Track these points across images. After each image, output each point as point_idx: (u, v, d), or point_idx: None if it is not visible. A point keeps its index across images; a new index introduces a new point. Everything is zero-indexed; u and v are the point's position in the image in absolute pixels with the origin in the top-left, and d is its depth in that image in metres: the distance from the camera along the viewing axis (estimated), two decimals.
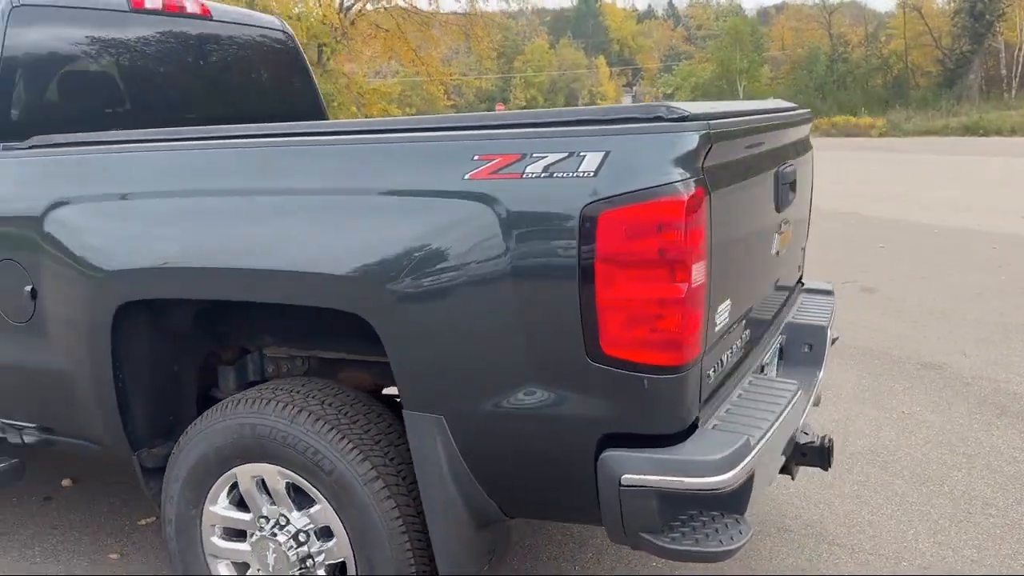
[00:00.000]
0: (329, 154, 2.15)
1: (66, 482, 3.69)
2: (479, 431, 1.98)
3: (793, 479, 2.78)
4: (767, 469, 2.05)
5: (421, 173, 1.97)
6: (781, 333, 2.80)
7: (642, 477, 1.81)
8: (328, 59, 31.84)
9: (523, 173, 1.83)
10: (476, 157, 1.88)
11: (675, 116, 1.81)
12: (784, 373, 2.82)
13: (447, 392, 1.99)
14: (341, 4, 32.55)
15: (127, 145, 2.48)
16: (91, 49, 3.11)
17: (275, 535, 2.25)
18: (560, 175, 1.79)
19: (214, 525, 2.37)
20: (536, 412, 1.91)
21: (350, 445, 2.11)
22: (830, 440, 2.64)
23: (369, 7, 33.19)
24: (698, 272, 1.78)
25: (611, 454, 1.83)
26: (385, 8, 33.01)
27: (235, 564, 2.38)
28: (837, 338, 3.39)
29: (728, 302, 2.02)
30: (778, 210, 2.42)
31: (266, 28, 3.90)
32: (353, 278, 2.00)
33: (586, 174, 1.77)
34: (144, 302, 2.33)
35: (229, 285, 2.22)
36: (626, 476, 1.81)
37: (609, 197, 1.74)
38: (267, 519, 2.27)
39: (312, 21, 29.82)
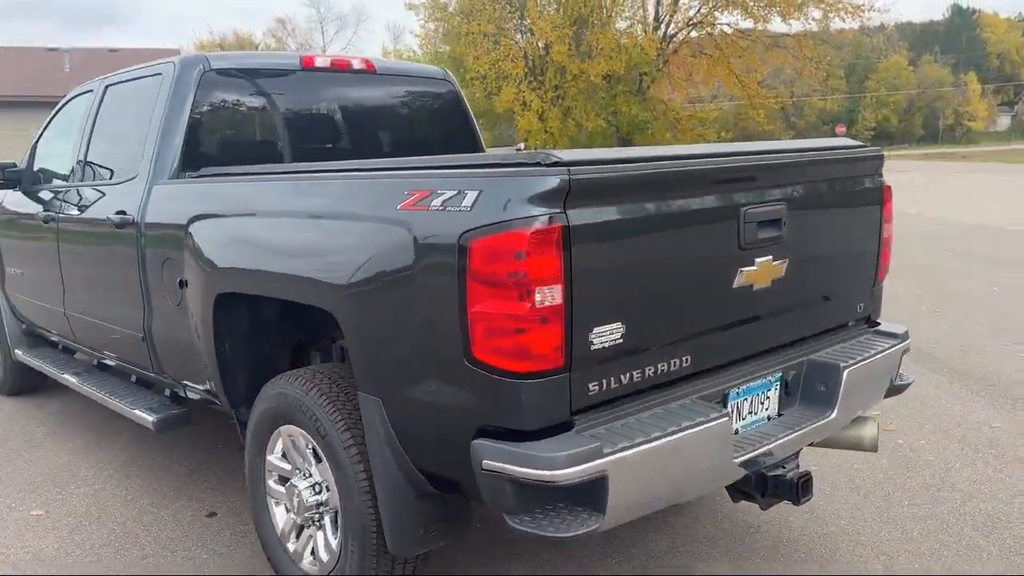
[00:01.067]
0: (326, 187, 2.76)
1: None
2: (402, 413, 2.43)
3: (763, 509, 2.84)
4: (641, 478, 2.23)
5: (377, 202, 2.49)
6: (792, 369, 2.87)
7: (497, 464, 2.15)
8: (648, 87, 32.69)
9: (429, 206, 2.27)
10: (407, 192, 2.36)
11: (548, 162, 2.13)
12: (792, 409, 2.89)
13: (381, 378, 2.48)
14: (665, 33, 33.27)
15: (236, 178, 3.28)
16: (267, 101, 4.01)
17: (299, 484, 2.87)
18: (450, 208, 2.21)
19: (271, 471, 3.05)
20: (435, 402, 2.33)
21: (339, 417, 2.66)
22: (804, 475, 2.69)
23: (694, 34, 33.51)
24: (547, 294, 2.08)
25: (477, 442, 2.19)
26: (709, 34, 33.13)
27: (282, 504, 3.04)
28: (907, 383, 3.30)
29: (618, 324, 2.26)
30: (742, 248, 2.55)
31: (428, 77, 4.60)
32: (327, 283, 2.58)
33: (465, 208, 2.17)
34: (237, 295, 3.07)
35: (275, 286, 2.89)
36: (485, 462, 2.17)
37: (477, 227, 2.12)
38: (298, 471, 2.90)
39: (634, 52, 30.85)
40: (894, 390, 3.29)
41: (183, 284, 3.32)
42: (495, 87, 32.14)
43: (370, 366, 2.52)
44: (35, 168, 4.89)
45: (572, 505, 2.19)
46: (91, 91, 4.47)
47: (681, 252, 2.44)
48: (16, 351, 5.28)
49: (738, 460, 2.51)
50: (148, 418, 3.72)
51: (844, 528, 3.53)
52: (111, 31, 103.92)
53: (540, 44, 32.31)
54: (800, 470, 2.71)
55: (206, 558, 3.42)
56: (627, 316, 2.28)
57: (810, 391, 2.91)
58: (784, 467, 2.72)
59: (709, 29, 33.54)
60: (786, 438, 2.70)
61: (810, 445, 3.37)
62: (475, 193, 2.16)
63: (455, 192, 2.21)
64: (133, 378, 4.22)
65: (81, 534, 3.65)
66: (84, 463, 4.48)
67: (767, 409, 2.82)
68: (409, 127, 4.59)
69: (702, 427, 2.34)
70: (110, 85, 4.30)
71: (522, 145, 34.57)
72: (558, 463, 2.09)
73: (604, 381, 2.28)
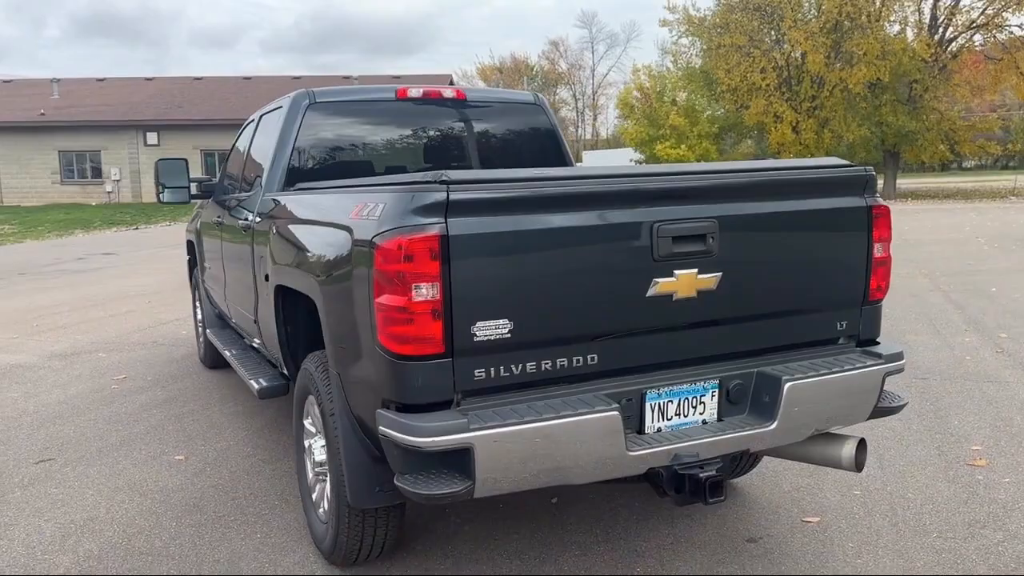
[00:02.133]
0: (321, 200, 3.37)
1: None
2: (349, 386, 2.95)
3: (679, 505, 3.00)
4: (511, 455, 2.56)
5: (340, 212, 3.04)
6: (737, 379, 3.03)
7: (386, 430, 2.61)
8: (920, 95, 30.34)
9: (361, 215, 2.78)
10: (356, 204, 2.88)
11: (438, 180, 2.56)
12: (738, 416, 3.04)
13: (337, 356, 3.02)
14: (942, 37, 30.69)
15: (300, 192, 3.98)
16: (364, 129, 4.71)
17: (314, 444, 3.49)
18: (370, 217, 2.70)
19: (307, 434, 3.70)
20: (362, 378, 2.83)
21: (327, 389, 3.23)
22: (717, 477, 2.85)
23: (977, 38, 30.59)
24: (425, 291, 2.50)
25: (378, 411, 2.66)
26: (995, 37, 30.09)
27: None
28: (897, 404, 3.28)
29: (505, 321, 2.61)
30: (656, 260, 2.78)
31: (520, 103, 5.07)
32: (310, 274, 3.19)
33: (376, 217, 2.65)
34: (286, 287, 3.76)
35: (293, 279, 3.54)
36: (381, 428, 2.63)
37: (380, 232, 2.59)
38: (317, 434, 3.52)
39: (903, 58, 28.81)
40: (882, 411, 3.27)
41: (266, 278, 4.08)
42: (745, 100, 31.48)
43: (330, 345, 3.07)
44: (224, 181, 6.00)
45: (446, 470, 2.59)
46: (254, 119, 5.45)
47: (577, 261, 2.71)
48: (208, 331, 6.47)
49: (635, 454, 2.74)
50: (255, 386, 4.53)
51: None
52: (408, 59, 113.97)
53: (797, 54, 31.14)
54: (714, 473, 2.86)
55: (276, 503, 4.14)
56: (515, 314, 2.63)
57: (757, 401, 3.04)
58: (703, 468, 2.88)
59: (996, 32, 30.48)
60: (703, 440, 2.87)
61: (792, 460, 3.48)
62: (383, 205, 2.64)
63: (375, 204, 2.71)
64: None
65: (201, 477, 4.54)
66: (233, 424, 5.45)
67: (702, 413, 3.00)
68: (498, 150, 5.08)
69: (581, 418, 2.62)
70: (263, 114, 5.23)
71: (641, 157, 33.25)
72: (425, 432, 2.51)
73: (492, 369, 2.64)
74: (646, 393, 2.89)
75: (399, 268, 2.52)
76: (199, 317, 7.10)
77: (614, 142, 38.29)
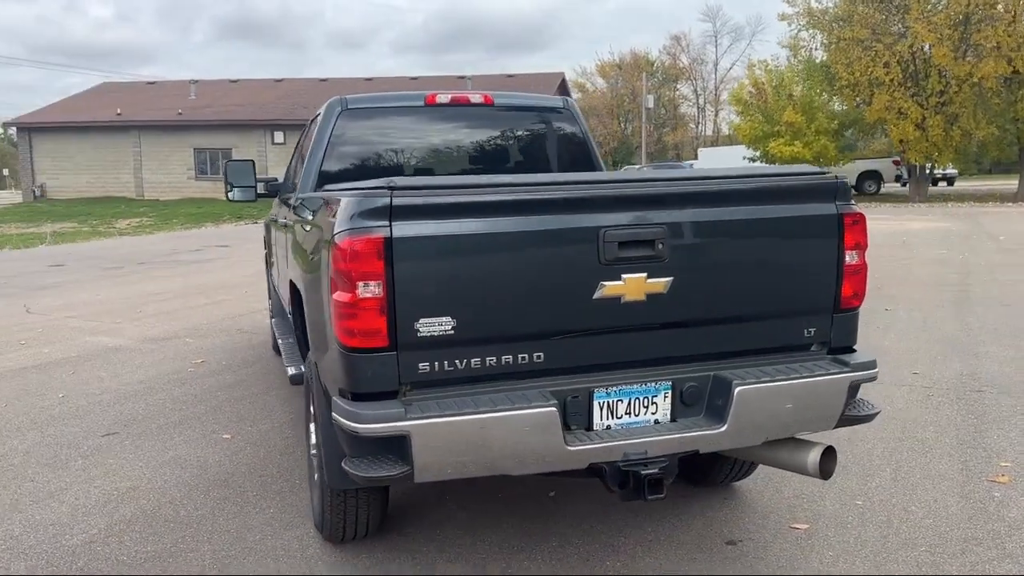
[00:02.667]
0: (311, 200, 3.63)
1: None
2: (323, 374, 3.19)
3: (624, 500, 3.08)
4: (447, 444, 2.74)
5: (318, 214, 3.28)
6: (692, 381, 3.10)
7: (335, 416, 2.83)
8: None
9: (328, 213, 3.01)
10: (329, 205, 3.12)
11: (385, 186, 2.76)
12: (692, 418, 3.11)
13: (312, 345, 3.27)
14: None
15: (314, 192, 4.26)
16: (394, 133, 4.97)
17: (312, 428, 3.77)
18: (332, 218, 2.92)
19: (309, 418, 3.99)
20: (329, 368, 3.06)
21: (315, 377, 3.50)
22: (657, 476, 2.94)
23: None
24: (368, 289, 2.70)
25: (333, 398, 2.89)
26: None
27: None
28: (867, 413, 3.27)
29: (448, 319, 2.79)
30: (603, 263, 2.89)
31: (547, 108, 5.21)
32: (297, 269, 3.46)
33: (336, 219, 2.87)
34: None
35: (292, 272, 3.82)
36: (333, 414, 2.86)
37: (337, 232, 2.81)
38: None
39: None
40: (851, 420, 3.26)
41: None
42: (866, 95, 30.21)
43: (310, 335, 3.33)
44: (287, 180, 6.41)
45: (388, 456, 2.79)
46: (308, 122, 5.81)
47: (521, 264, 2.85)
48: (272, 320, 6.91)
49: (574, 449, 2.87)
50: (289, 372, 4.87)
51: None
52: (531, 56, 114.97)
53: (925, 47, 29.62)
54: (656, 471, 2.95)
55: (296, 483, 4.45)
56: (458, 313, 2.80)
57: (712, 404, 3.10)
58: (647, 466, 2.97)
59: None
60: (650, 439, 2.96)
61: (763, 464, 3.51)
62: (342, 207, 2.86)
63: (336, 206, 2.93)
64: None
65: (239, 455, 4.91)
66: (283, 408, 5.84)
67: (654, 413, 3.09)
68: (524, 153, 5.24)
69: (517, 412, 2.77)
70: (312, 119, 5.57)
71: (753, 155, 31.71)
72: (364, 419, 2.72)
73: (436, 363, 2.82)
74: (594, 392, 3.00)
75: (347, 267, 2.73)
76: (268, 307, 7.59)
77: (735, 139, 37.35)
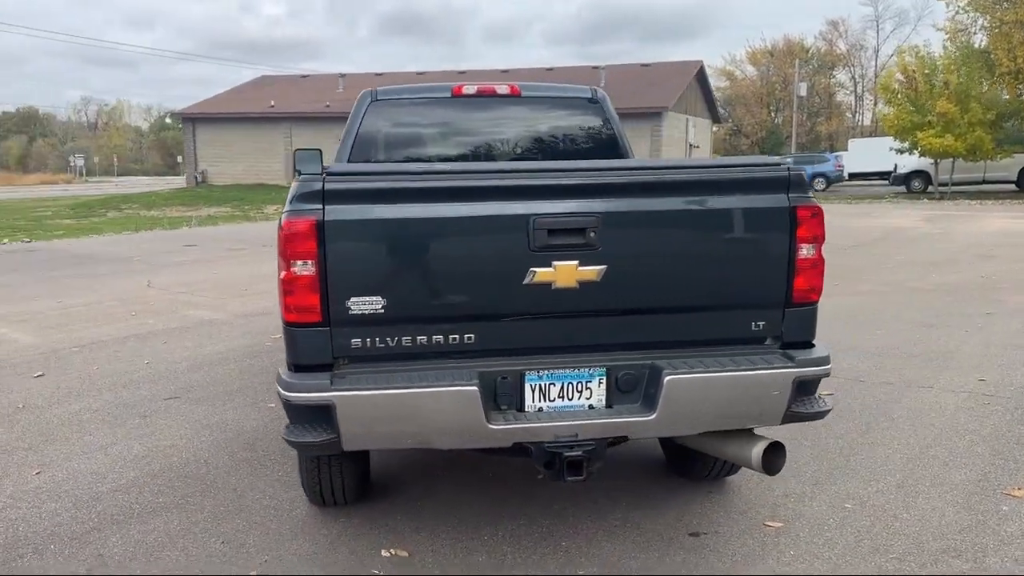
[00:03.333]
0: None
1: None
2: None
3: (553, 481, 3.14)
4: (371, 415, 2.91)
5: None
6: (627, 369, 3.14)
7: (276, 386, 3.06)
8: None
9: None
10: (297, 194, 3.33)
11: (323, 172, 2.96)
12: (627, 405, 3.15)
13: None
14: None
15: None
16: (421, 124, 5.16)
17: None
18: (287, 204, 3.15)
19: None
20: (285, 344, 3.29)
21: None
22: (578, 458, 3.02)
23: None
24: (301, 268, 2.91)
25: (278, 371, 3.11)
26: None
27: None
28: (816, 410, 3.21)
29: (379, 298, 2.96)
30: (533, 250, 2.97)
31: (574, 97, 5.26)
32: None
33: (286, 201, 3.09)
34: None
35: None
36: (277, 384, 3.09)
37: (281, 215, 3.04)
38: None
39: None
40: (799, 417, 3.20)
41: None
42: None
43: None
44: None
45: (318, 424, 2.99)
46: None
47: (451, 248, 2.99)
48: None
49: (496, 427, 2.97)
50: None
51: None
52: (682, 45, 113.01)
53: None
54: (578, 453, 3.01)
55: None
56: (388, 293, 2.96)
57: (648, 392, 3.13)
58: (572, 448, 3.04)
59: None
60: (577, 422, 3.03)
61: (715, 456, 3.50)
62: (290, 191, 3.07)
63: (291, 193, 3.15)
64: None
65: (276, 423, 5.25)
66: None
67: (588, 398, 3.14)
68: (551, 144, 5.31)
69: (438, 390, 2.92)
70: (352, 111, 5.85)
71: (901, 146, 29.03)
72: (294, 389, 2.94)
73: (368, 340, 3.00)
74: (525, 374, 3.10)
75: (284, 246, 2.95)
76: None
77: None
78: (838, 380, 5.91)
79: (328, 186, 2.92)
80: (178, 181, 50.99)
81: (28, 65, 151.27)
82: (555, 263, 3.00)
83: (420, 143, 5.23)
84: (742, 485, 4.18)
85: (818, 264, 3.20)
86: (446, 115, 5.20)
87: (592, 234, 3.00)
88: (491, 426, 2.98)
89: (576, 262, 3.01)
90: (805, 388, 3.21)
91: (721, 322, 3.20)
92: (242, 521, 3.86)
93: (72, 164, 79.49)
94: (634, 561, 3.43)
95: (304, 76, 49.65)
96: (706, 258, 3.14)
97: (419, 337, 3.04)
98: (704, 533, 3.68)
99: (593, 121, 5.23)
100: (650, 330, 3.17)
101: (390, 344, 3.03)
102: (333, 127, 42.10)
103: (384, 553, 3.52)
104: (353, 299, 2.96)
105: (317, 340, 2.99)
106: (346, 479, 3.77)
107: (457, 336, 3.05)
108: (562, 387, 3.13)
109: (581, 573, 3.33)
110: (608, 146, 5.20)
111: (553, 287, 3.02)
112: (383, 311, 2.98)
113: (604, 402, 3.16)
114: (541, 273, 3.00)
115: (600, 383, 3.15)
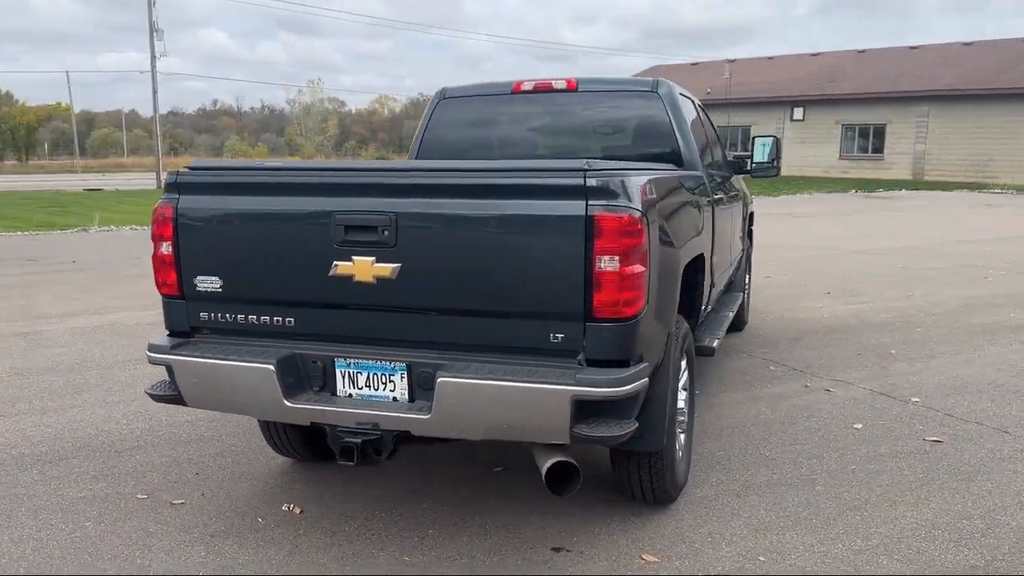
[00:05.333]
0: None
1: None
2: None
3: (348, 465, 3.23)
4: (196, 380, 3.33)
5: None
6: (426, 367, 3.18)
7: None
8: None
9: None
10: (165, 184, 3.84)
11: (188, 167, 3.46)
12: (424, 401, 3.20)
13: None
14: None
15: None
16: (484, 119, 5.36)
17: None
18: None
19: None
20: None
21: None
22: (350, 446, 3.18)
23: None
24: (163, 248, 3.44)
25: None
26: None
27: None
28: (608, 436, 3.01)
29: (216, 279, 3.38)
30: (337, 245, 3.17)
31: (631, 90, 5.06)
32: None
33: None
34: None
35: None
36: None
37: None
38: None
39: None
40: (583, 439, 2.97)
41: None
42: None
43: None
44: None
45: (170, 382, 3.50)
46: None
47: (272, 238, 3.28)
48: None
49: (292, 405, 3.23)
50: None
51: None
52: None
53: None
54: (356, 440, 3.13)
55: None
56: (224, 274, 3.38)
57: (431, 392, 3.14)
58: (358, 435, 3.18)
59: None
60: (374, 412, 3.17)
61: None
62: None
63: None
64: None
65: None
66: None
67: (392, 391, 3.25)
68: (606, 137, 5.15)
69: (239, 364, 3.27)
70: None
71: None
72: (150, 350, 3.49)
73: (213, 314, 3.44)
74: (335, 360, 3.30)
75: (152, 230, 3.51)
76: None
77: None
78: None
79: (180, 179, 3.40)
80: None
81: (489, 63, 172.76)
82: (354, 258, 3.16)
83: (479, 139, 5.43)
84: (674, 513, 3.84)
85: (626, 279, 2.92)
86: (505, 111, 5.33)
87: (386, 232, 3.10)
88: (288, 403, 3.25)
89: (373, 258, 3.14)
90: (592, 409, 2.97)
91: (517, 330, 3.08)
92: (223, 478, 4.51)
93: None
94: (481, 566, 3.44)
95: (694, 64, 49.84)
96: (499, 263, 3.05)
97: (250, 316, 3.41)
98: (568, 551, 3.51)
99: (649, 112, 4.99)
100: (446, 331, 3.17)
101: (229, 320, 3.44)
102: (712, 114, 41.65)
103: (283, 507, 3.94)
104: (199, 278, 3.42)
105: (178, 310, 3.51)
106: (290, 437, 4.23)
107: (280, 319, 3.37)
108: (368, 377, 3.28)
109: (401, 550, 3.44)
110: (663, 137, 4.93)
111: (354, 281, 3.18)
112: (221, 290, 3.40)
113: (407, 396, 3.24)
114: (342, 267, 3.18)
115: (403, 378, 3.23)
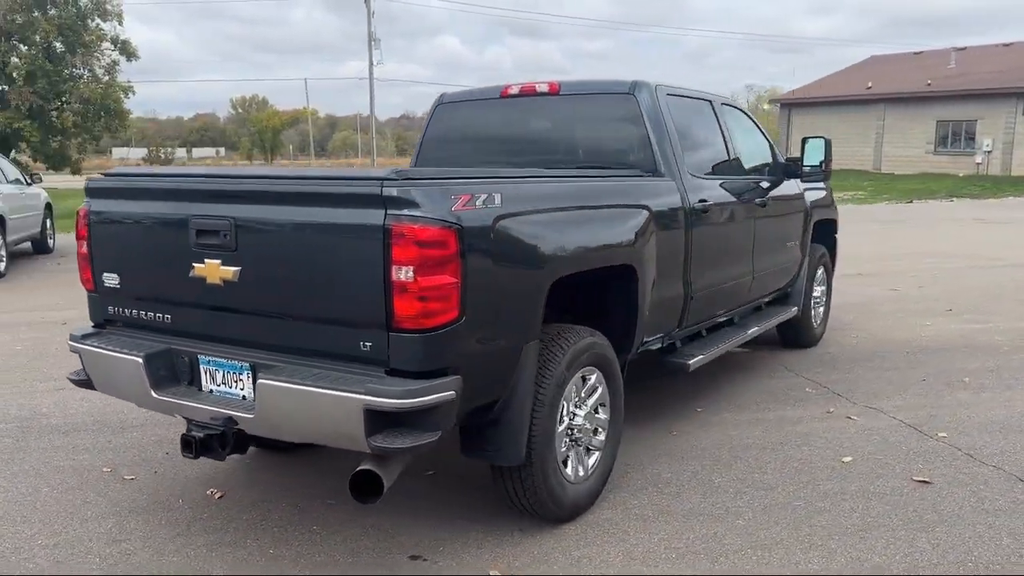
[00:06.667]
0: None
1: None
2: None
3: (189, 457, 3.37)
4: (97, 367, 3.65)
5: None
6: (263, 368, 3.31)
7: None
8: None
9: None
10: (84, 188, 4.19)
11: (105, 174, 3.80)
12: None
13: None
14: None
15: None
16: (475, 123, 5.38)
17: None
18: None
19: None
20: None
21: None
22: (187, 436, 3.33)
23: None
24: (82, 247, 3.80)
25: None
26: None
27: None
28: (387, 447, 3.01)
29: (115, 276, 3.69)
30: (193, 247, 3.37)
31: (609, 92, 4.87)
32: None
33: None
34: None
35: None
36: None
37: None
38: None
39: None
40: (380, 449, 2.96)
41: None
42: None
43: None
44: None
45: (83, 368, 3.85)
46: None
47: (147, 239, 3.54)
48: None
49: (157, 397, 3.47)
50: None
51: None
52: None
53: None
54: (197, 434, 3.30)
55: None
56: (120, 273, 3.69)
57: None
58: (202, 430, 3.35)
59: None
60: (222, 409, 3.34)
61: None
62: None
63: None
64: None
65: None
66: None
67: (242, 389, 3.40)
68: (585, 138, 4.98)
69: (114, 355, 3.57)
70: None
71: None
72: (69, 338, 3.86)
73: (116, 308, 3.76)
74: (199, 357, 3.50)
75: (75, 230, 3.88)
76: None
77: None
78: None
79: (91, 184, 3.76)
80: None
81: (711, 58, 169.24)
82: (206, 260, 3.36)
83: (470, 142, 5.44)
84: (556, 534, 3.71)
85: (427, 291, 2.90)
86: (493, 115, 5.31)
87: (227, 237, 3.27)
88: (155, 395, 3.49)
89: (219, 261, 3.32)
90: (396, 419, 2.96)
91: (336, 337, 3.12)
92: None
93: None
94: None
95: (917, 53, 45.87)
96: (315, 270, 3.11)
97: (139, 311, 3.69)
98: (425, 560, 3.51)
99: (627, 114, 4.78)
100: (279, 334, 3.28)
101: (128, 314, 3.74)
102: (931, 107, 38.62)
103: (208, 492, 4.22)
104: (105, 274, 3.76)
105: (95, 304, 3.87)
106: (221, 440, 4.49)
107: (159, 315, 3.62)
108: (223, 375, 3.45)
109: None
110: (638, 137, 4.72)
111: (207, 282, 3.37)
112: (119, 287, 3.72)
113: (253, 395, 3.37)
114: (198, 268, 3.39)
115: (248, 376, 3.37)
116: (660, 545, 3.59)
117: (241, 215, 3.24)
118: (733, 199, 5.31)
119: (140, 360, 3.48)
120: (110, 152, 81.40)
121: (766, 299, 6.41)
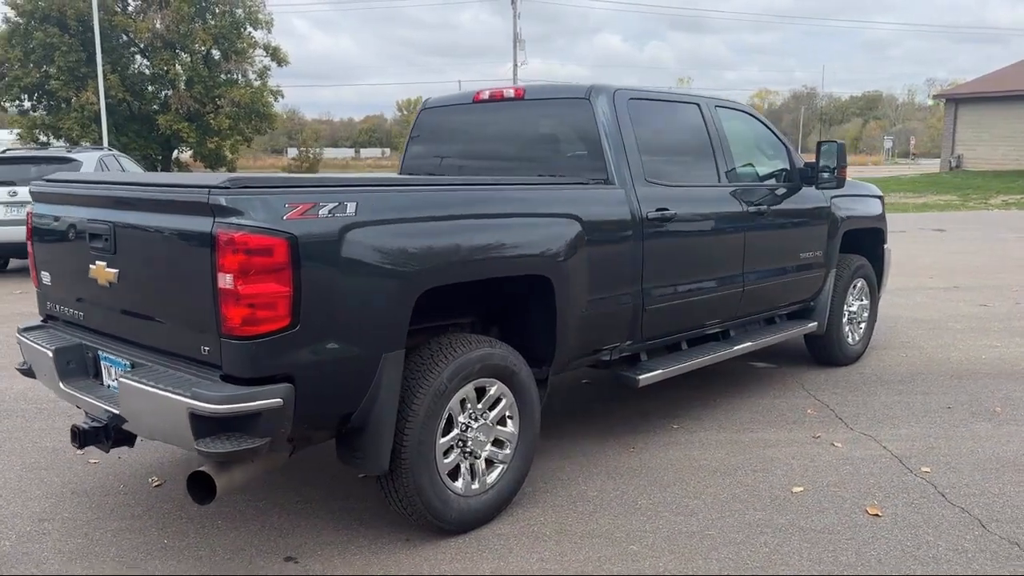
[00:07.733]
0: None
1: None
2: None
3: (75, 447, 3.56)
4: (37, 365, 3.92)
5: None
6: (142, 366, 3.48)
7: None
8: None
9: None
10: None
11: (46, 179, 4.09)
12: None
13: None
14: None
15: None
16: (453, 127, 5.38)
17: None
18: None
19: None
20: None
21: None
22: (78, 431, 3.53)
23: None
24: (29, 247, 4.12)
25: None
26: None
27: None
28: (216, 451, 3.09)
29: (48, 275, 3.96)
30: (89, 249, 3.57)
31: (567, 97, 4.75)
32: None
33: None
34: None
35: None
36: None
37: None
38: None
39: None
40: (203, 453, 3.03)
41: None
42: None
43: None
44: None
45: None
46: None
47: (64, 241, 3.78)
48: None
49: (64, 388, 3.70)
50: None
51: None
52: None
53: None
54: (84, 427, 3.49)
55: None
56: (50, 272, 3.96)
57: None
58: (93, 423, 3.53)
59: None
60: (84, 398, 3.57)
61: None
62: None
63: None
64: None
65: None
66: None
67: None
68: (546, 143, 4.88)
69: (34, 346, 3.84)
70: None
71: None
72: (16, 331, 4.18)
73: (52, 305, 4.04)
74: (99, 353, 3.71)
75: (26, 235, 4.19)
76: None
77: None
78: None
79: (32, 188, 4.06)
80: (932, 165, 48.75)
81: (893, 49, 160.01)
82: (97, 262, 3.56)
83: (446, 145, 5.44)
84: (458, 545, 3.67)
85: (252, 299, 2.96)
86: (467, 120, 5.29)
87: (107, 240, 3.46)
88: (63, 387, 3.74)
89: (105, 263, 3.52)
90: (218, 423, 3.02)
91: (186, 340, 3.23)
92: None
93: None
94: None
95: None
96: (163, 275, 3.28)
97: (63, 308, 3.96)
98: (299, 560, 3.56)
99: (579, 123, 4.65)
100: (148, 335, 3.43)
101: (54, 310, 4.03)
102: None
103: (150, 479, 4.45)
104: (42, 274, 4.05)
105: (40, 300, 4.18)
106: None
107: (76, 312, 3.87)
108: (114, 371, 3.64)
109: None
110: (591, 143, 4.59)
111: (99, 283, 3.58)
112: (49, 285, 3.99)
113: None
114: (92, 269, 3.60)
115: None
116: (535, 566, 3.49)
117: (118, 220, 3.42)
118: (713, 208, 5.04)
119: (50, 353, 3.73)
120: (285, 151, 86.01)
121: (782, 312, 6.04)
